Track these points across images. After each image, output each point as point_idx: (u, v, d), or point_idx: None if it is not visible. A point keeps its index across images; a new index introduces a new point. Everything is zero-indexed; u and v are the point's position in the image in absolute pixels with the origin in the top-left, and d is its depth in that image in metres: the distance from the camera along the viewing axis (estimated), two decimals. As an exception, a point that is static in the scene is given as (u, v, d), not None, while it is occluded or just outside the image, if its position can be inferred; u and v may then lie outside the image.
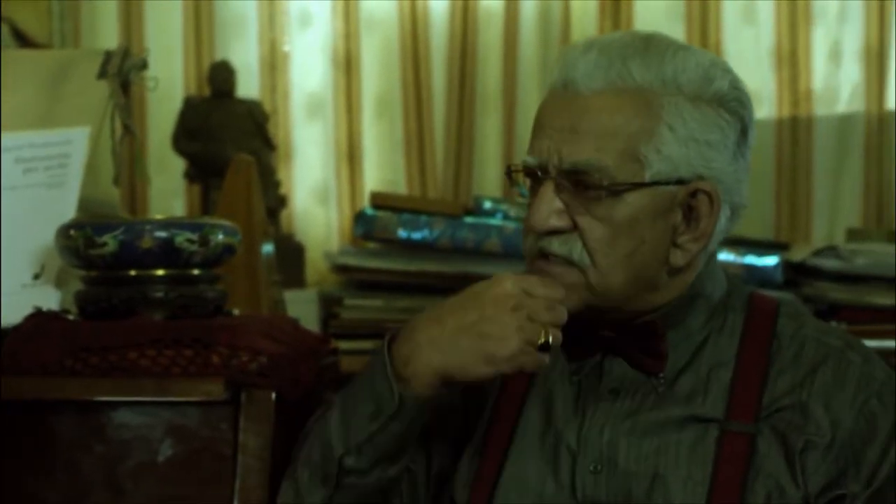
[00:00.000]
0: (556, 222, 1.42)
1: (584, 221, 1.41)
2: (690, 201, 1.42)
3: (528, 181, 1.47)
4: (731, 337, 1.47)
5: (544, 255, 1.43)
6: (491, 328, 1.35)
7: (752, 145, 1.47)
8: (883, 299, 2.51)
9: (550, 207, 1.42)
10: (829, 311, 2.51)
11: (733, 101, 1.44)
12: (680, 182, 1.41)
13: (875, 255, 2.57)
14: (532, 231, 1.43)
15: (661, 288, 1.45)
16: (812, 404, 1.42)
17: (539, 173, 1.43)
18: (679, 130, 1.40)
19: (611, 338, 1.46)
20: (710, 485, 1.40)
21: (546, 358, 1.37)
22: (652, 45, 1.44)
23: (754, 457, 1.41)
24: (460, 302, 1.39)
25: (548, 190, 1.42)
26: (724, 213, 1.45)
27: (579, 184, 1.40)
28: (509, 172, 1.48)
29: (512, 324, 1.35)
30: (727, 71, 1.45)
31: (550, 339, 1.35)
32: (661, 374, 1.45)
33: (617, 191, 1.39)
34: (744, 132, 1.45)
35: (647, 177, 1.40)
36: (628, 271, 1.42)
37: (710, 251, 1.48)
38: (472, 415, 1.52)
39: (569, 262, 1.42)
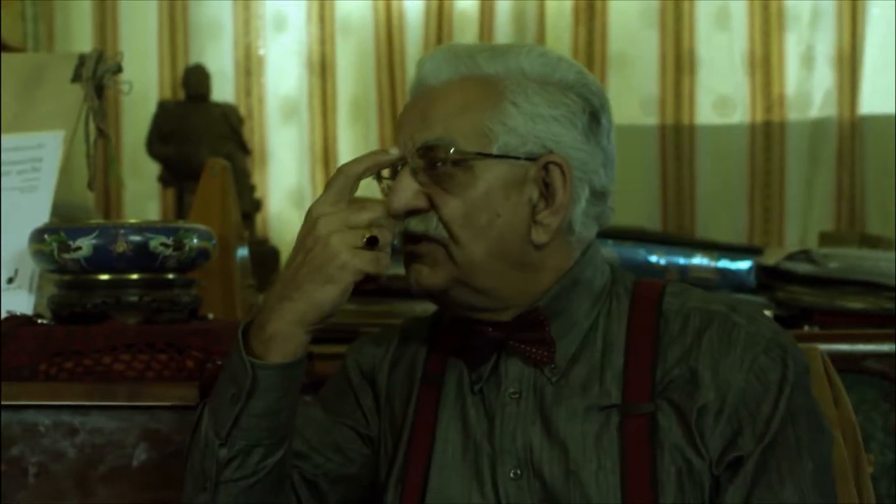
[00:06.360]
0: (415, 202, 1.46)
1: (438, 197, 1.45)
2: (544, 176, 1.45)
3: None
4: (619, 322, 1.50)
5: (410, 238, 1.46)
6: (318, 255, 1.39)
7: (610, 137, 1.50)
8: (855, 303, 2.51)
9: (408, 190, 1.46)
10: (801, 315, 2.52)
11: (581, 87, 1.48)
12: (530, 158, 1.45)
13: (847, 258, 2.58)
14: (395, 216, 1.46)
15: (533, 269, 1.47)
16: (701, 370, 1.44)
17: (399, 165, 1.48)
18: (523, 106, 1.45)
19: (501, 337, 1.47)
20: (621, 472, 1.41)
21: (382, 257, 1.40)
22: (501, 46, 1.51)
23: (657, 434, 1.42)
24: (289, 259, 1.44)
25: (404, 174, 1.47)
26: (584, 193, 1.47)
27: (431, 161, 1.45)
28: (378, 177, 1.51)
29: (334, 242, 1.38)
30: (573, 65, 1.50)
31: (377, 237, 1.39)
32: (553, 364, 1.46)
33: (464, 161, 1.43)
34: (594, 116, 1.48)
35: (495, 149, 1.44)
36: (489, 245, 1.45)
37: (587, 239, 1.50)
38: (389, 447, 1.54)
39: (427, 238, 1.45)
